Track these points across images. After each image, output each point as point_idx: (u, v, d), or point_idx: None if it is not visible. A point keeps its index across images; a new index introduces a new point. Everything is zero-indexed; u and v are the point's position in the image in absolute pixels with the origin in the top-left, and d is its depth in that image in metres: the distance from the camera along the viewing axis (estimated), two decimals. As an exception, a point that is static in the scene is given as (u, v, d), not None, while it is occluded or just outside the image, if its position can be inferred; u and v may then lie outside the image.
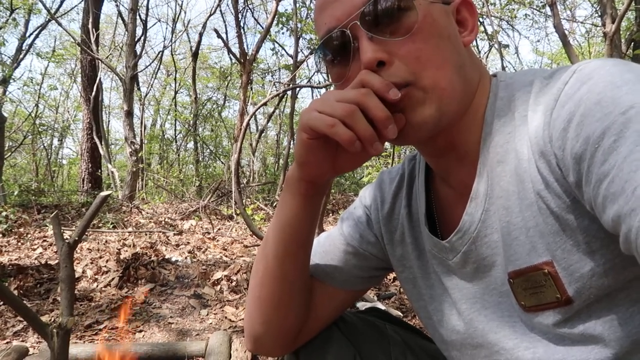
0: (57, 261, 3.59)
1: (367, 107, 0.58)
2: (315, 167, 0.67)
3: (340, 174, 0.71)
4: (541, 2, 9.21)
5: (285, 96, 11.78)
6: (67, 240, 1.36)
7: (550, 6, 4.13)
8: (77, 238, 1.37)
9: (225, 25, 13.12)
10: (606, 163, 0.46)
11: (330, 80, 0.73)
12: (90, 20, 9.00)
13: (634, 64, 0.56)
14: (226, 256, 4.12)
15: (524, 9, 10.08)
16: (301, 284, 0.78)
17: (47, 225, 5.27)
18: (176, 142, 16.14)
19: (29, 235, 4.84)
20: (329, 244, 0.84)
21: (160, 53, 12.23)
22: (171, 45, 13.59)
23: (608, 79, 0.52)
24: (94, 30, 9.00)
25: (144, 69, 12.40)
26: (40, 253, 4.18)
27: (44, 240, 4.67)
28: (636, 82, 0.50)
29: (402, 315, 2.55)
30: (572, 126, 0.52)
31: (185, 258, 3.87)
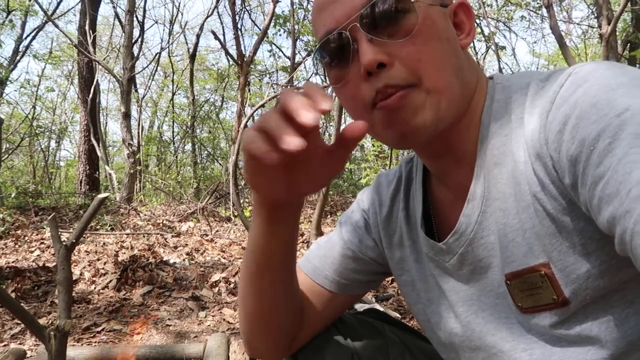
0: (54, 263, 3.58)
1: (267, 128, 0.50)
2: (268, 189, 0.61)
3: (301, 196, 0.65)
4: (538, 3, 9.23)
5: (283, 98, 11.75)
6: (64, 243, 1.36)
7: (547, 8, 4.15)
8: (74, 240, 1.37)
9: (223, 27, 13.19)
10: (601, 165, 0.46)
11: (328, 82, 0.72)
12: (87, 21, 8.99)
13: (628, 66, 0.56)
14: (224, 258, 4.12)
15: (520, 11, 10.11)
16: (284, 299, 0.75)
17: (44, 228, 5.25)
18: (174, 143, 16.10)
19: (26, 238, 4.82)
20: (328, 248, 0.84)
21: (158, 55, 12.20)
22: (168, 47, 13.57)
23: (603, 81, 0.52)
24: (91, 32, 8.99)
25: (142, 71, 12.43)
26: (38, 255, 4.16)
27: (42, 243, 4.66)
28: (631, 84, 0.50)
29: (400, 316, 2.55)
30: (567, 128, 0.52)
31: (183, 260, 3.87)
